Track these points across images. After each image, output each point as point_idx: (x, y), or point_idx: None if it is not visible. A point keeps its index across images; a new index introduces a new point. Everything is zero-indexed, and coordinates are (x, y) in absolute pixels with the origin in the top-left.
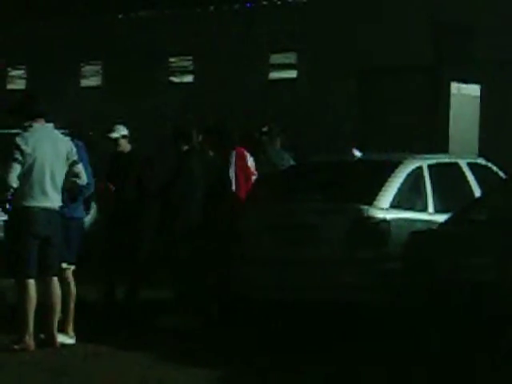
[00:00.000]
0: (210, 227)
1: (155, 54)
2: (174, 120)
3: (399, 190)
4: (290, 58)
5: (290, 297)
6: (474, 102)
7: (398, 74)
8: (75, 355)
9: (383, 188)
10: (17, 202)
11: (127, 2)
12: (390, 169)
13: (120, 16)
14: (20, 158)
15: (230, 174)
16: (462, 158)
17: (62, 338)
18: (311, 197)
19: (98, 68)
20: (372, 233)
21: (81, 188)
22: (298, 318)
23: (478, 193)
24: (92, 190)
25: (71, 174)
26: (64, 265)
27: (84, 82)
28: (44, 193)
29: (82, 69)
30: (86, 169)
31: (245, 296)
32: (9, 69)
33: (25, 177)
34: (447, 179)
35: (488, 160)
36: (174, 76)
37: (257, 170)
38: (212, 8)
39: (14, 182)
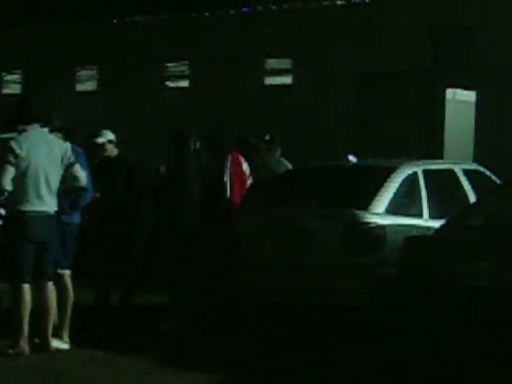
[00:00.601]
0: (207, 231)
1: (151, 59)
2: (170, 124)
3: (394, 195)
4: (286, 63)
5: (287, 301)
6: (469, 108)
7: (394, 79)
8: (71, 360)
9: (378, 193)
10: (12, 207)
11: (123, 6)
12: (385, 174)
13: (115, 20)
14: (14, 161)
15: (225, 179)
16: (457, 163)
17: (56, 343)
18: (307, 202)
19: (93, 73)
20: (367, 238)
21: (79, 193)
22: (296, 323)
23: (473, 198)
24: (91, 196)
25: (69, 177)
26: (60, 270)
27: (79, 87)
28: (39, 197)
29: (78, 73)
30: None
31: (242, 300)
32: (4, 73)
33: (19, 181)
34: (442, 185)
35: (483, 166)
36: (170, 81)
37: (252, 175)
38: (207, 13)
39: (8, 185)
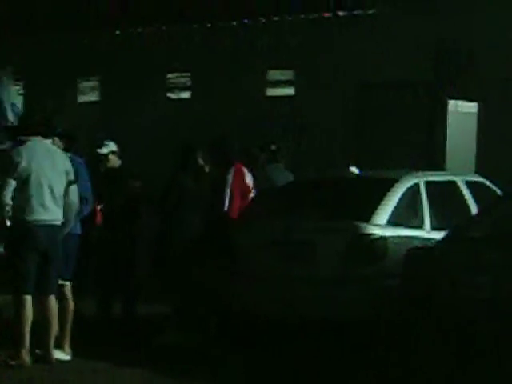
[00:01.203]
0: (209, 242)
1: (153, 70)
2: (172, 136)
3: (396, 207)
4: (288, 74)
5: (288, 313)
6: (472, 120)
7: (396, 90)
8: (72, 371)
9: (380, 205)
10: (16, 216)
11: (125, 18)
12: (387, 186)
13: (117, 32)
14: (14, 172)
15: (226, 192)
16: (459, 175)
17: (58, 355)
18: (309, 213)
19: (95, 84)
20: (369, 250)
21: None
22: (297, 336)
23: (474, 210)
24: (91, 207)
25: (65, 193)
26: (61, 281)
27: (81, 98)
28: (43, 206)
29: (80, 84)
30: (86, 186)
31: (243, 312)
32: None
33: (22, 190)
34: (444, 196)
35: (485, 177)
36: (172, 92)
37: (255, 186)
38: (209, 24)
39: (8, 199)
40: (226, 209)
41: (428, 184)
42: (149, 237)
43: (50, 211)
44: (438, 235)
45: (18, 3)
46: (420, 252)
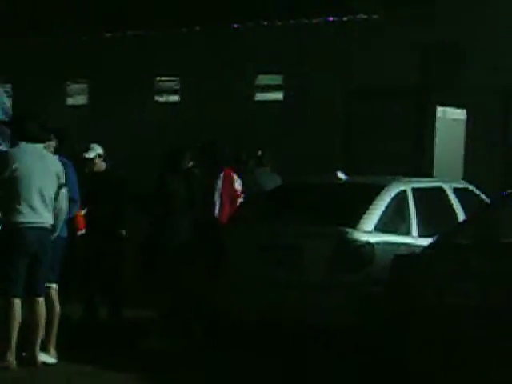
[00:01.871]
0: (197, 246)
1: (141, 74)
2: (160, 139)
3: (383, 213)
4: (277, 79)
5: (274, 319)
6: (460, 126)
7: (384, 96)
8: (58, 374)
9: (367, 211)
10: (5, 218)
11: (114, 21)
12: (374, 192)
13: (107, 35)
14: (4, 174)
15: (215, 198)
16: (447, 182)
17: (44, 357)
18: (296, 218)
19: (83, 86)
20: (356, 256)
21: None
22: (284, 340)
23: (461, 217)
24: (78, 207)
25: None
26: (47, 284)
27: (69, 101)
28: (32, 208)
29: (68, 87)
30: (73, 188)
31: (229, 316)
32: None
33: (11, 192)
34: (431, 203)
35: (473, 184)
36: (160, 96)
37: (244, 192)
38: (198, 28)
39: None
40: (215, 213)
41: (415, 191)
42: (136, 240)
43: (39, 214)
44: (425, 242)
45: (5, 5)
46: (407, 259)
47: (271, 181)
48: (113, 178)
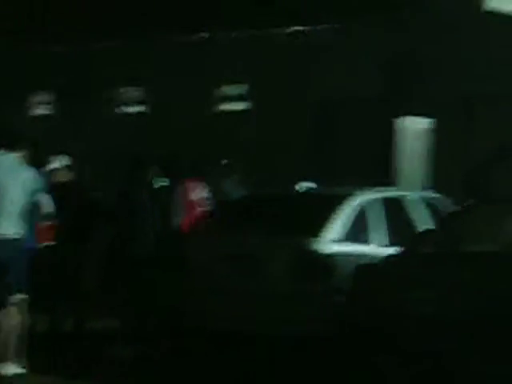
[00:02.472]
0: (161, 257)
1: (105, 84)
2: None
3: (345, 223)
4: (242, 89)
5: (236, 329)
6: (424, 136)
7: (349, 106)
8: None
9: (329, 221)
10: None
11: (76, 32)
12: (336, 202)
13: (70, 46)
14: None
15: (174, 208)
16: (410, 191)
17: (13, 369)
18: (259, 228)
19: (47, 97)
20: (318, 266)
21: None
22: (249, 349)
23: (425, 226)
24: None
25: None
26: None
27: (33, 112)
28: (3, 219)
29: (32, 98)
30: (41, 196)
31: (195, 326)
32: None
33: None
34: (394, 213)
35: (437, 193)
36: (124, 106)
37: (207, 201)
38: (162, 38)
39: None
40: (175, 224)
41: (377, 201)
42: (100, 250)
43: (8, 225)
44: (387, 251)
45: None
46: (368, 268)
47: (236, 191)
48: (78, 188)
